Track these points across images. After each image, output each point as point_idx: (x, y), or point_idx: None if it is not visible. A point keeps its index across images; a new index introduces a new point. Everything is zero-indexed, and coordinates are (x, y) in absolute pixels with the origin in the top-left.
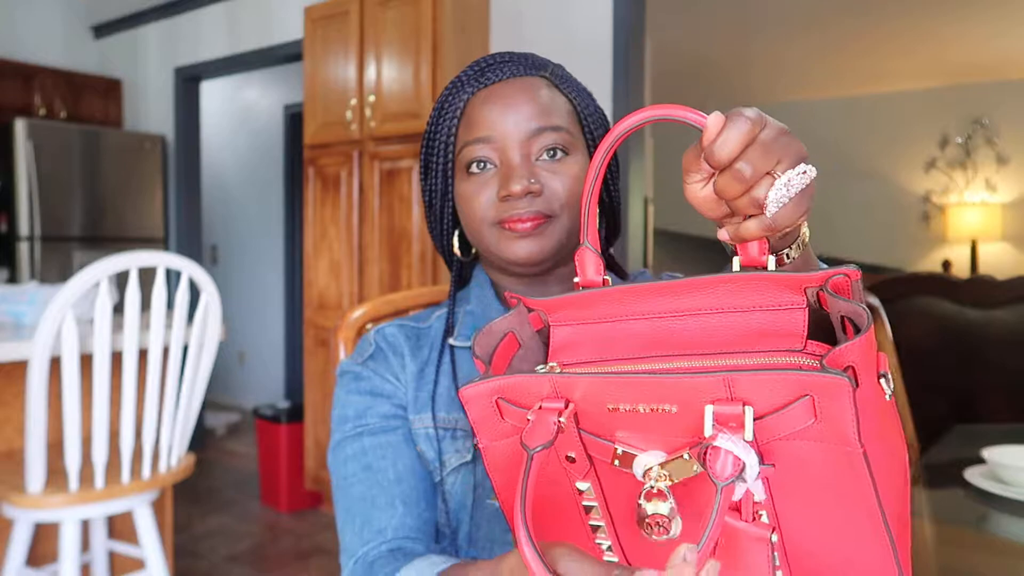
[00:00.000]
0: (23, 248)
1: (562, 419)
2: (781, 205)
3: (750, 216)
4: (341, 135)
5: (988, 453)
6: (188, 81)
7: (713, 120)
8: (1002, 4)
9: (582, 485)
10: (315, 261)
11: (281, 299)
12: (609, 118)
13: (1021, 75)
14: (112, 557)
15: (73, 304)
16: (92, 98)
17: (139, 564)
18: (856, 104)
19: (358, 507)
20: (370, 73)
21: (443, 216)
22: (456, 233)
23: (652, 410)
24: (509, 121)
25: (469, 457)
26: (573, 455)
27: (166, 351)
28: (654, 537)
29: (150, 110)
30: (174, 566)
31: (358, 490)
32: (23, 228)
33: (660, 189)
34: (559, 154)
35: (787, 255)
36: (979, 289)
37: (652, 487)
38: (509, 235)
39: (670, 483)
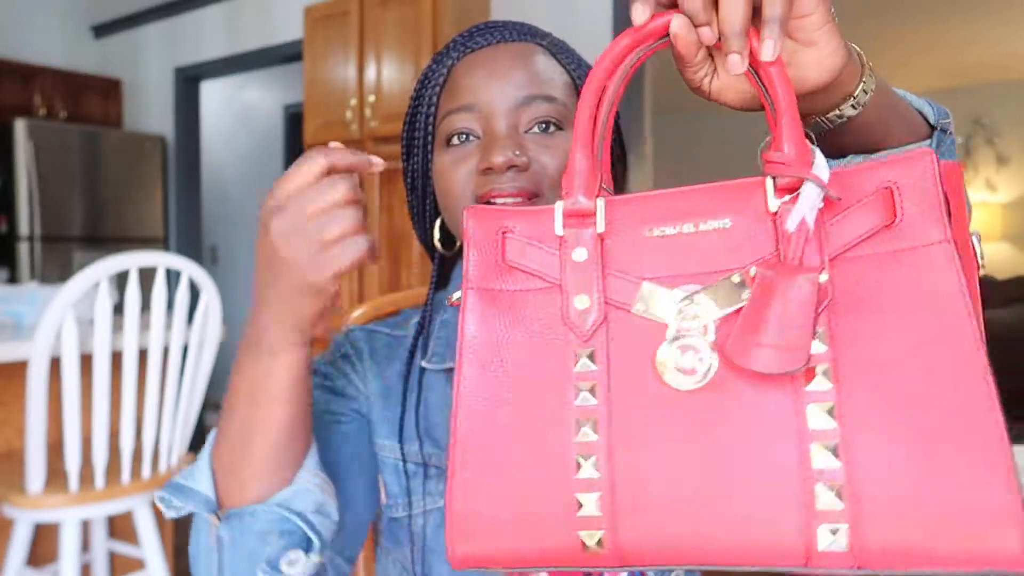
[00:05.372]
0: (23, 248)
1: (598, 228)
2: None
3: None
4: (341, 135)
5: None
6: (188, 81)
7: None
8: (1002, 5)
9: (583, 351)
10: None
11: None
12: None
13: (1021, 75)
14: (112, 557)
15: (73, 304)
16: (92, 98)
17: (139, 564)
18: None
19: None
20: (370, 73)
21: (425, 199)
22: (439, 222)
23: (700, 230)
24: (495, 88)
25: (443, 503)
26: (587, 301)
27: (166, 351)
28: (669, 381)
29: (150, 110)
30: (174, 566)
31: None
32: (23, 228)
33: (660, 188)
34: (552, 128)
35: (831, 119)
36: (979, 289)
37: (685, 320)
38: None
39: (707, 322)
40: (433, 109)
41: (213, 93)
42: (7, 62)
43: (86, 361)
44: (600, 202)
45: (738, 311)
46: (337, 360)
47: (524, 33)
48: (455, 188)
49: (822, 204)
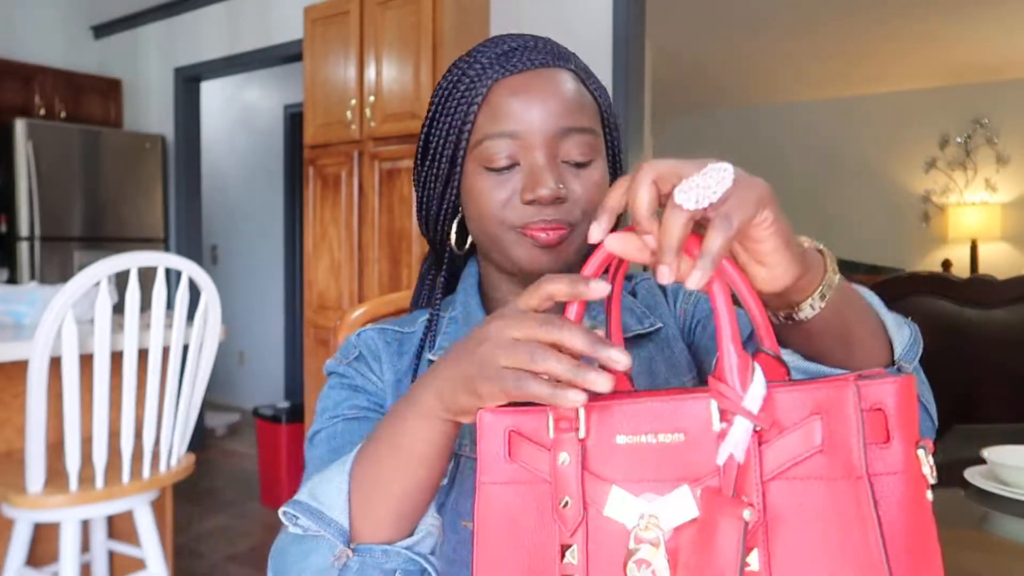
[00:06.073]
0: (23, 248)
1: (580, 433)
2: (696, 199)
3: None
4: (341, 135)
5: (988, 453)
6: (188, 81)
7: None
8: (1002, 5)
9: (568, 544)
10: (315, 261)
11: (281, 299)
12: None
13: (1021, 75)
14: (112, 557)
15: (73, 304)
16: (92, 98)
17: (139, 564)
18: (856, 104)
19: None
20: (370, 73)
21: (443, 203)
22: (456, 223)
23: (659, 442)
24: (536, 117)
25: (444, 481)
26: (569, 500)
27: (166, 351)
28: None
29: (150, 110)
30: (174, 566)
31: (319, 469)
32: (23, 228)
33: None
34: (584, 159)
35: (779, 318)
36: (979, 289)
37: (643, 530)
38: (529, 243)
39: (661, 532)
40: (470, 125)
41: (213, 93)
42: (7, 62)
43: (86, 361)
44: (582, 411)
45: (686, 524)
46: (352, 362)
47: (557, 58)
48: (494, 212)
49: (751, 434)
